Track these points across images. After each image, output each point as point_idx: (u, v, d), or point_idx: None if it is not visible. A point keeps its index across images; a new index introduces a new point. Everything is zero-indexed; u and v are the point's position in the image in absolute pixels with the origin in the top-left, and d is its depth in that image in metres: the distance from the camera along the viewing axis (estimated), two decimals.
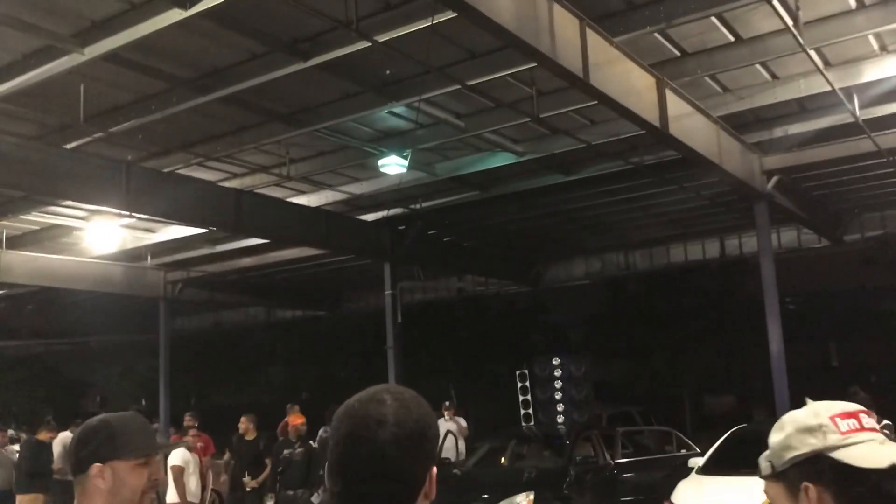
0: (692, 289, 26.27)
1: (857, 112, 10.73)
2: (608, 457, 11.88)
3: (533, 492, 10.19)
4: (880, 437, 1.36)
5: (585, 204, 16.77)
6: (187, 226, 15.28)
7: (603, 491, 11.32)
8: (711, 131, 11.13)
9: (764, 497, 1.51)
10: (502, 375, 18.71)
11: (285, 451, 9.87)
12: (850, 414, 1.39)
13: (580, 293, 25.86)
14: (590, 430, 12.75)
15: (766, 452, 1.44)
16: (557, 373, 15.61)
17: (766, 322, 12.82)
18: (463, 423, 13.99)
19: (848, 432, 1.35)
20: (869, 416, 1.39)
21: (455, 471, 12.11)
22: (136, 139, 11.63)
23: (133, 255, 18.38)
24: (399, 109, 11.13)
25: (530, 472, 11.18)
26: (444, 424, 13.86)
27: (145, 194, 12.07)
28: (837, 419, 1.37)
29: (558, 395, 15.43)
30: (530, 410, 15.53)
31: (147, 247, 17.73)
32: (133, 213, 13.21)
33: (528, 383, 15.66)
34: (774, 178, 13.03)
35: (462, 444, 13.58)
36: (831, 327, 25.49)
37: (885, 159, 12.58)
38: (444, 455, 13.32)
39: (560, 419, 15.13)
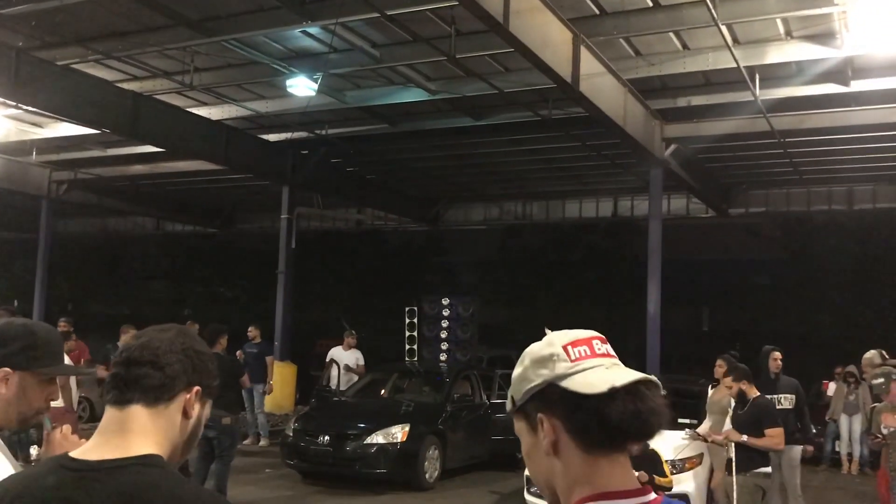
0: (582, 244, 27.13)
1: (757, 92, 11.17)
2: (484, 397, 12.29)
3: (409, 424, 10.50)
4: (610, 361, 1.32)
5: (491, 150, 16.93)
6: (79, 124, 14.49)
7: (476, 428, 11.75)
8: (619, 93, 11.38)
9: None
10: (392, 310, 18.87)
11: None
12: (583, 341, 1.34)
13: (476, 237, 26.26)
14: (469, 369, 13.11)
15: (510, 388, 1.39)
16: (446, 312, 15.79)
17: (646, 283, 13.41)
18: (360, 358, 13.75)
19: (578, 359, 1.30)
20: (603, 341, 1.36)
21: (335, 398, 12.28)
22: (28, 25, 10.91)
23: (17, 149, 17.37)
24: (314, 30, 10.85)
25: (408, 406, 11.48)
26: (341, 353, 13.60)
27: (35, 85, 11.40)
28: (569, 347, 1.32)
29: (444, 334, 15.64)
30: (415, 346, 15.76)
31: (33, 141, 16.78)
32: (20, 104, 12.46)
33: (415, 320, 15.82)
34: (672, 147, 13.49)
35: (352, 376, 13.39)
36: (707, 294, 26.81)
37: (776, 140, 13.21)
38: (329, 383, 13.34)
39: (443, 357, 15.42)
